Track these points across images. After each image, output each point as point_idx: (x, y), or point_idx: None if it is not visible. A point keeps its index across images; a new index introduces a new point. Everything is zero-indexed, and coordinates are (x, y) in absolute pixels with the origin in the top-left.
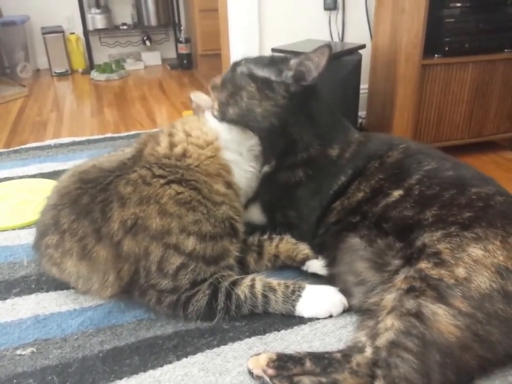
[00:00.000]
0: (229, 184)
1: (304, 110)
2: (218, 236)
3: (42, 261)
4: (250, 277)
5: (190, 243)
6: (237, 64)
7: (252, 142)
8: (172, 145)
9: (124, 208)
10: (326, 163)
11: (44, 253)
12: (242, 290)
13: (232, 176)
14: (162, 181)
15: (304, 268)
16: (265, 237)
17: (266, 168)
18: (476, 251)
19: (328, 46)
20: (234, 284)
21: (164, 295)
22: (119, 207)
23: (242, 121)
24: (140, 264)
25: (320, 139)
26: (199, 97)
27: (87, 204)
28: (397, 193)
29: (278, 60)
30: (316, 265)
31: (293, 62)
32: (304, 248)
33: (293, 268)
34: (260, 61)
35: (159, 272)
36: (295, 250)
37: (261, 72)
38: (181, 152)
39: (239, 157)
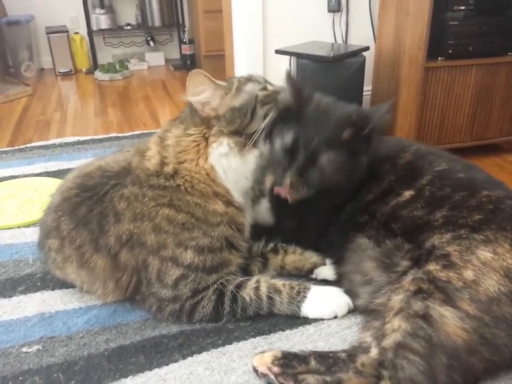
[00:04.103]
0: (229, 203)
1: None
2: (217, 249)
3: (47, 262)
4: (255, 278)
5: (188, 256)
6: (314, 155)
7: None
8: (163, 164)
9: (119, 224)
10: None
11: (48, 255)
12: (248, 292)
13: (232, 196)
14: (153, 203)
15: (313, 276)
16: (269, 248)
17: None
18: (484, 254)
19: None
20: (239, 286)
21: (164, 303)
22: (114, 222)
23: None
24: (141, 274)
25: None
26: (198, 95)
27: (85, 215)
28: (408, 193)
29: (350, 133)
30: (325, 272)
31: (368, 130)
32: (310, 257)
33: None
34: (335, 141)
35: (159, 282)
36: (302, 261)
37: (346, 159)
38: (171, 172)
39: (237, 179)
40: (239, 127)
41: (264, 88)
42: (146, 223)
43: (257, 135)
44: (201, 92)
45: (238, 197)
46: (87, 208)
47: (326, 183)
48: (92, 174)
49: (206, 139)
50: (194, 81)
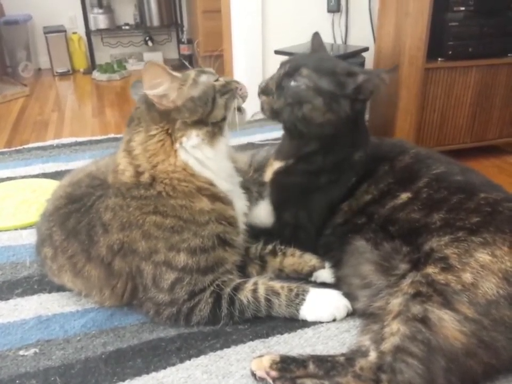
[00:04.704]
0: (215, 197)
1: (354, 120)
2: (210, 248)
3: (45, 268)
4: (252, 280)
5: (182, 259)
6: (295, 70)
7: (226, 152)
8: (138, 173)
9: (107, 234)
10: (349, 167)
11: (44, 262)
12: (245, 295)
13: (216, 187)
14: (138, 211)
15: (312, 278)
16: (268, 250)
17: (278, 164)
18: (483, 256)
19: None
20: (237, 289)
21: (162, 307)
22: (103, 233)
23: (293, 125)
24: (136, 280)
25: (355, 145)
26: (157, 85)
27: (74, 227)
28: (405, 196)
29: (341, 71)
30: (325, 275)
31: (362, 78)
32: (309, 260)
33: None
34: (321, 69)
35: (155, 287)
36: (300, 264)
37: (327, 86)
38: (148, 181)
39: (218, 166)
40: (201, 115)
41: (217, 80)
42: (135, 231)
43: (222, 123)
44: (158, 84)
45: (223, 184)
46: (75, 220)
47: (298, 102)
48: (81, 183)
49: (170, 135)
50: (151, 74)
